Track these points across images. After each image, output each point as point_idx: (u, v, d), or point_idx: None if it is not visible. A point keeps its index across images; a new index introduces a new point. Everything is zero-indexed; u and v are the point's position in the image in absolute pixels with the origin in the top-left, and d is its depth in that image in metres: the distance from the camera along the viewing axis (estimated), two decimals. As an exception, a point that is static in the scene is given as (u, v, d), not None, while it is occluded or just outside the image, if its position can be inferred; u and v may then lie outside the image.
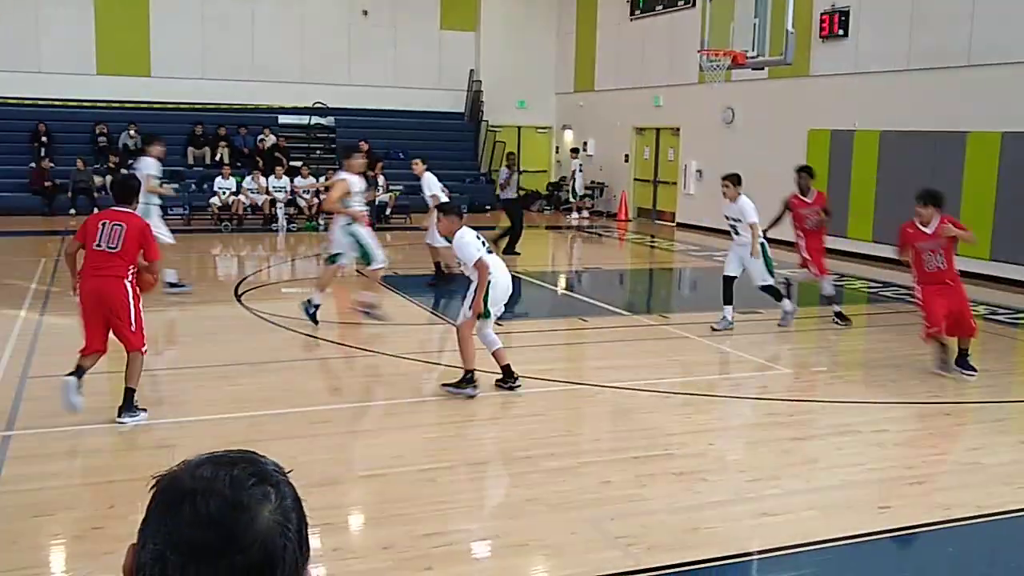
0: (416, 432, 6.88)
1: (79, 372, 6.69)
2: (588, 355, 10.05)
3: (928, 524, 5.30)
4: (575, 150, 25.37)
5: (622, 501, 5.49)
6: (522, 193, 17.24)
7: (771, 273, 10.59)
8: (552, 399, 7.90)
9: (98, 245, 6.73)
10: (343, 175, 10.27)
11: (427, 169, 13.11)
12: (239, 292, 12.23)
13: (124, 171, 15.76)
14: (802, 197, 11.14)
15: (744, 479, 5.93)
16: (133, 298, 6.79)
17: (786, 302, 10.71)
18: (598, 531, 5.09)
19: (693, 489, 5.74)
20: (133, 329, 6.79)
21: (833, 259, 16.40)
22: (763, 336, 10.54)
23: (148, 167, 11.48)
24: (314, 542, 4.57)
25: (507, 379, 7.82)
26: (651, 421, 7.28)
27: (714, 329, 10.47)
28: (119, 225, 6.77)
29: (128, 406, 6.78)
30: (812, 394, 8.08)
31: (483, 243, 7.73)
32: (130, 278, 6.81)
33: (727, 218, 10.64)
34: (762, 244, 10.41)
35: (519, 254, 15.91)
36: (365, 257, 10.25)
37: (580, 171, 24.24)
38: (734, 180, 10.52)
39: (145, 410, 6.87)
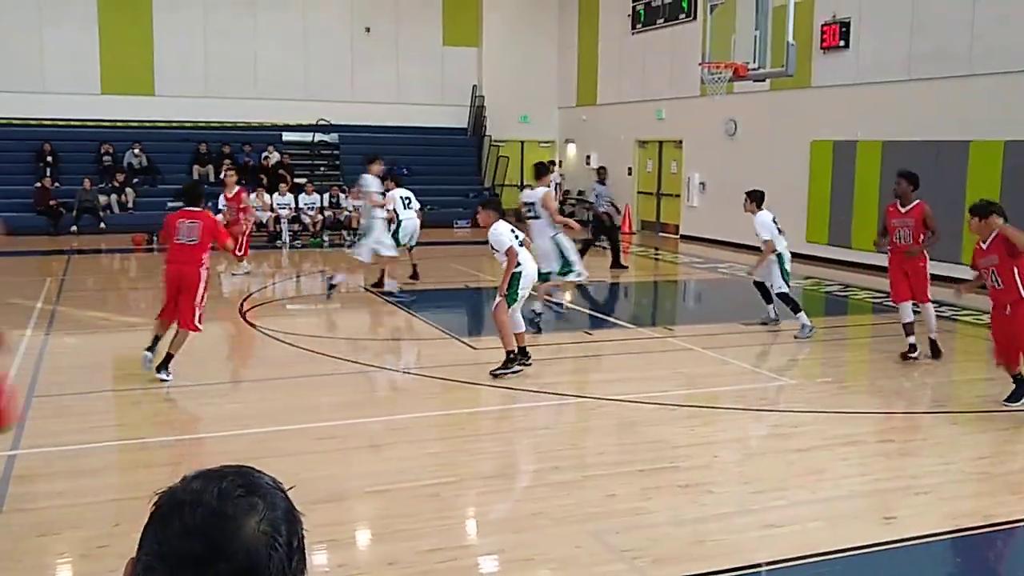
0: (420, 447, 6.88)
1: (154, 343, 8.42)
2: (593, 368, 10.04)
3: (935, 534, 5.28)
4: (551, 163, 25.32)
5: (627, 514, 5.48)
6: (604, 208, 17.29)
7: (787, 282, 10.83)
8: (557, 412, 7.90)
9: (179, 239, 8.37)
10: (546, 188, 11.30)
11: (397, 185, 14.19)
12: (243, 309, 12.25)
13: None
14: (899, 207, 9.73)
15: (749, 490, 5.92)
16: (204, 282, 8.47)
17: (803, 315, 10.68)
18: (603, 544, 5.08)
19: (698, 501, 5.72)
20: (196, 310, 8.36)
21: (836, 269, 16.47)
22: (768, 347, 10.53)
23: (369, 184, 12.99)
24: (319, 558, 4.58)
25: (521, 357, 8.84)
26: (656, 434, 7.27)
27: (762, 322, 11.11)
28: (195, 222, 8.46)
29: (165, 365, 8.36)
30: (817, 405, 8.06)
31: (516, 237, 8.82)
32: (205, 265, 8.49)
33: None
34: (779, 255, 10.72)
35: (625, 267, 16.94)
36: (566, 266, 11.01)
37: (557, 187, 24.42)
38: (750, 196, 11.04)
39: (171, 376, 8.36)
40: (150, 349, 8.43)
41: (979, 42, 14.44)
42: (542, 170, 11.76)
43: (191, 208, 8.62)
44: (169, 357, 8.37)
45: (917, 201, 9.61)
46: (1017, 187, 13.85)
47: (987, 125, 14.30)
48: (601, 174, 17.82)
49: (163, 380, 8.32)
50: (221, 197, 15.45)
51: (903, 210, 9.65)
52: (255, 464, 1.33)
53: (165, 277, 8.53)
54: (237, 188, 15.51)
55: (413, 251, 14.47)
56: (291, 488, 1.33)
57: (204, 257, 8.45)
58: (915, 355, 9.46)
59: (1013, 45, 13.88)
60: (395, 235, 13.75)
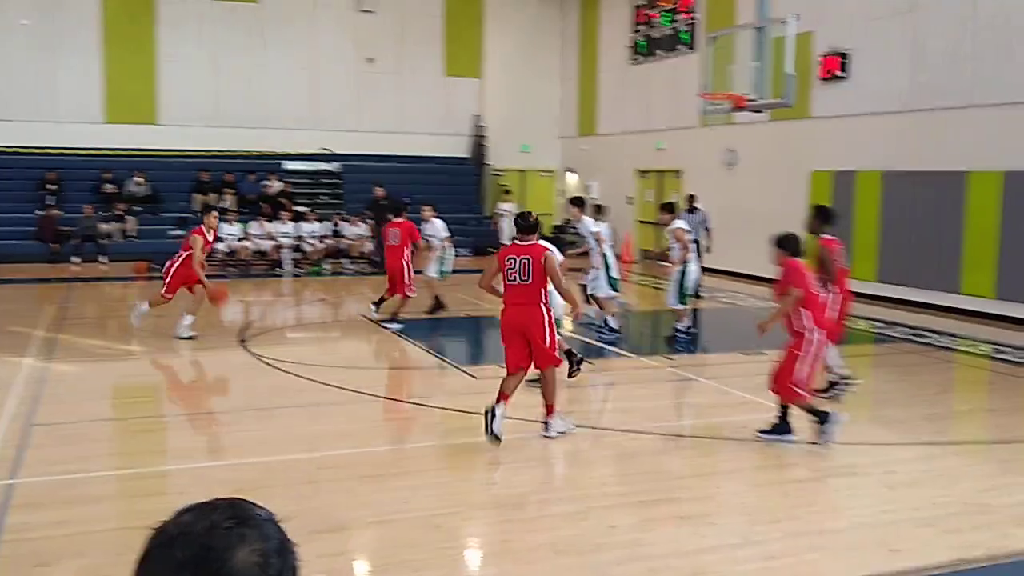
0: (422, 477, 6.86)
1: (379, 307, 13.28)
2: (594, 398, 10.03)
3: (938, 567, 5.26)
4: (507, 191, 24.99)
5: (627, 546, 5.46)
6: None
7: (615, 289, 12.41)
8: (558, 443, 7.87)
9: (388, 242, 12.98)
10: (680, 223, 12.49)
11: (436, 215, 14.55)
12: (244, 338, 12.26)
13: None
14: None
15: (750, 522, 5.90)
16: (406, 269, 13.02)
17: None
18: (605, 576, 5.05)
19: (699, 533, 5.70)
20: (406, 287, 13.20)
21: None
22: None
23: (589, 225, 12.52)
24: (320, 589, 4.49)
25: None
26: (657, 464, 7.26)
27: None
28: (397, 230, 13.00)
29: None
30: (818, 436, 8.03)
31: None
32: (406, 257, 13.02)
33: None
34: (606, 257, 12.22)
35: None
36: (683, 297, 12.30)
37: (505, 215, 23.12)
38: (572, 201, 12.81)
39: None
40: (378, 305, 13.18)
41: (978, 73, 14.54)
42: (673, 208, 13.06)
43: (395, 219, 13.21)
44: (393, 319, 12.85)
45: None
46: (1016, 217, 13.91)
47: (986, 156, 14.37)
48: (691, 200, 16.95)
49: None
50: (198, 238, 12.14)
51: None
52: (256, 493, 1.35)
53: (386, 267, 13.35)
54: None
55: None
56: (287, 520, 1.34)
57: (405, 251, 12.96)
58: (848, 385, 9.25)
59: (1012, 76, 13.97)
60: (443, 266, 14.28)
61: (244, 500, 1.31)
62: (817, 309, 7.54)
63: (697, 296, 13.36)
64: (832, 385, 9.18)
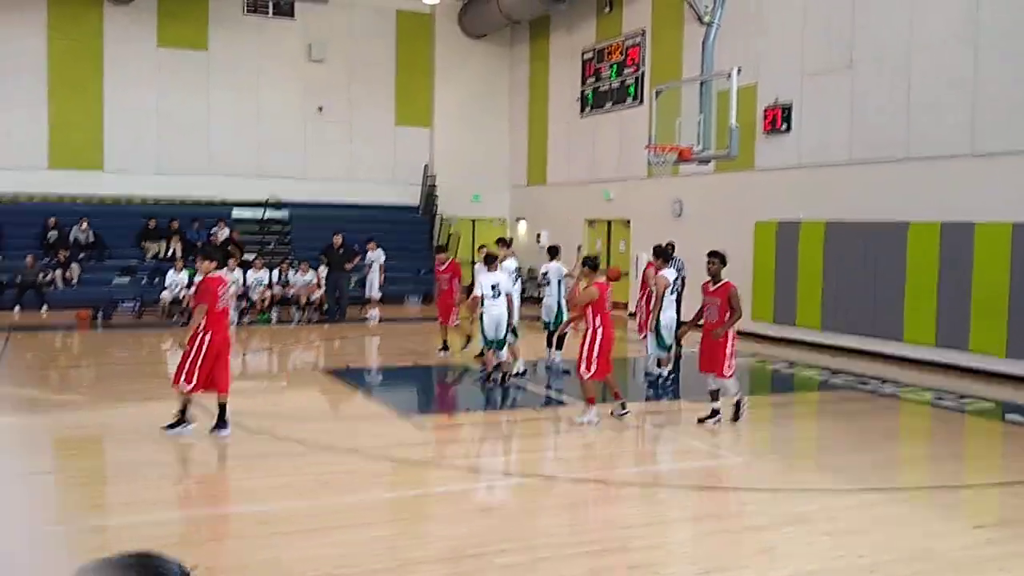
0: (365, 531, 6.74)
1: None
2: (542, 447, 9.98)
3: (882, 614, 5.27)
4: (369, 239, 22.14)
5: (575, 597, 5.40)
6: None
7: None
8: (505, 493, 7.82)
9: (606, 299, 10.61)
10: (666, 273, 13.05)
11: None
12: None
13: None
14: (709, 285, 10.24)
15: (697, 571, 5.87)
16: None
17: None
18: (550, 629, 4.98)
19: (647, 583, 5.66)
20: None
21: (783, 347, 16.67)
22: (716, 425, 10.55)
23: None
24: (255, 647, 4.36)
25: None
26: (605, 514, 7.22)
27: None
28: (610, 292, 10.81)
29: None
30: (764, 483, 8.07)
31: None
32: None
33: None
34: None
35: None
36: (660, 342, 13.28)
37: (376, 267, 21.79)
38: (500, 241, 14.26)
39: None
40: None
41: (915, 128, 14.95)
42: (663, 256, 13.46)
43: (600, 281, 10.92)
44: None
45: (725, 280, 10.10)
46: (954, 267, 14.23)
47: (924, 207, 14.73)
48: (669, 249, 15.04)
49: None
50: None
51: (712, 288, 10.16)
52: (192, 549, 1.30)
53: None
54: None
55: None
56: (195, 567, 1.30)
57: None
58: (714, 419, 10.10)
59: (945, 130, 14.39)
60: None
61: (155, 555, 1.27)
62: (215, 320, 9.38)
63: (677, 344, 13.49)
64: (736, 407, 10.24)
